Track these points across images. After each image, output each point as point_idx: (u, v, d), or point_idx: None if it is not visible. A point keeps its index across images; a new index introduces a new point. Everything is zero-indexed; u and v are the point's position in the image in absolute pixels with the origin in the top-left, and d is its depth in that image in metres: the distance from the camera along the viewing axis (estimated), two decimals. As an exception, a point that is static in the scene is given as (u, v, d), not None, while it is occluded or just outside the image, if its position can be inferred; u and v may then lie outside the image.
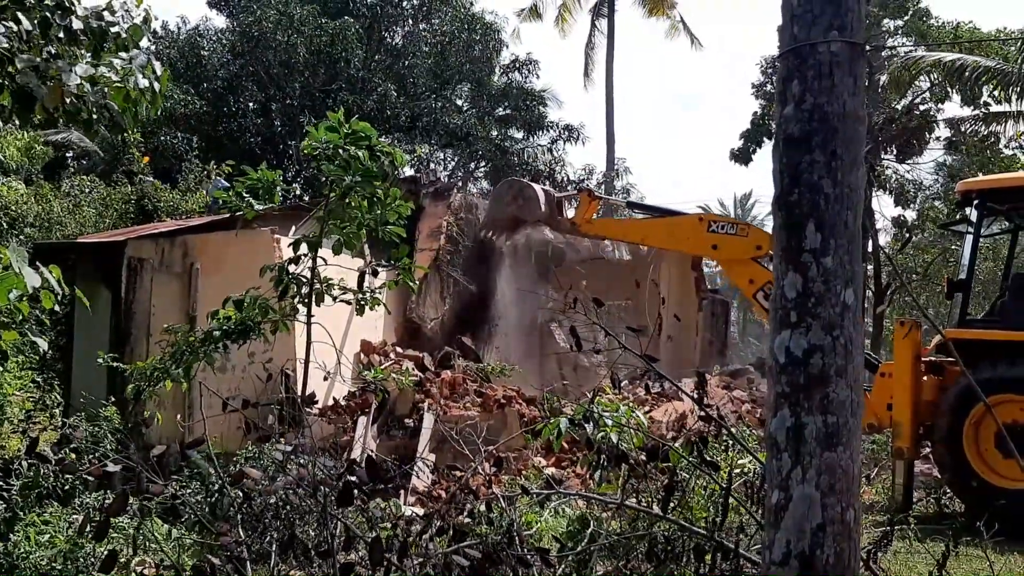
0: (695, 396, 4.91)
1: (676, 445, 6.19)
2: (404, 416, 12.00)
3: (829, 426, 2.70)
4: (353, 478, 3.81)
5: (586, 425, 5.57)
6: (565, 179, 31.39)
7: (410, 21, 32.29)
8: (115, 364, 8.57)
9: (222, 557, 4.20)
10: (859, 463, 2.76)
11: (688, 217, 12.77)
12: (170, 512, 6.75)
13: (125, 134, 23.30)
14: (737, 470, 6.06)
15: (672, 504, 5.61)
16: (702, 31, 35.58)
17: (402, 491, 10.06)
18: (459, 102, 33.76)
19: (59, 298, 6.75)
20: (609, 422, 6.23)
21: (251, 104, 30.69)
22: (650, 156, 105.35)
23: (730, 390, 15.52)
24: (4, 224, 19.63)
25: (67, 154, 27.79)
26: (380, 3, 30.41)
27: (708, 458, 5.50)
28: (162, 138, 26.50)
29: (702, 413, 5.26)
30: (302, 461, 4.99)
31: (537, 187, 12.85)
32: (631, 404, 7.64)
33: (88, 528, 4.62)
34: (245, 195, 7.67)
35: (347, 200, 7.62)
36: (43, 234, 19.20)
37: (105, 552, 6.57)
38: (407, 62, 30.56)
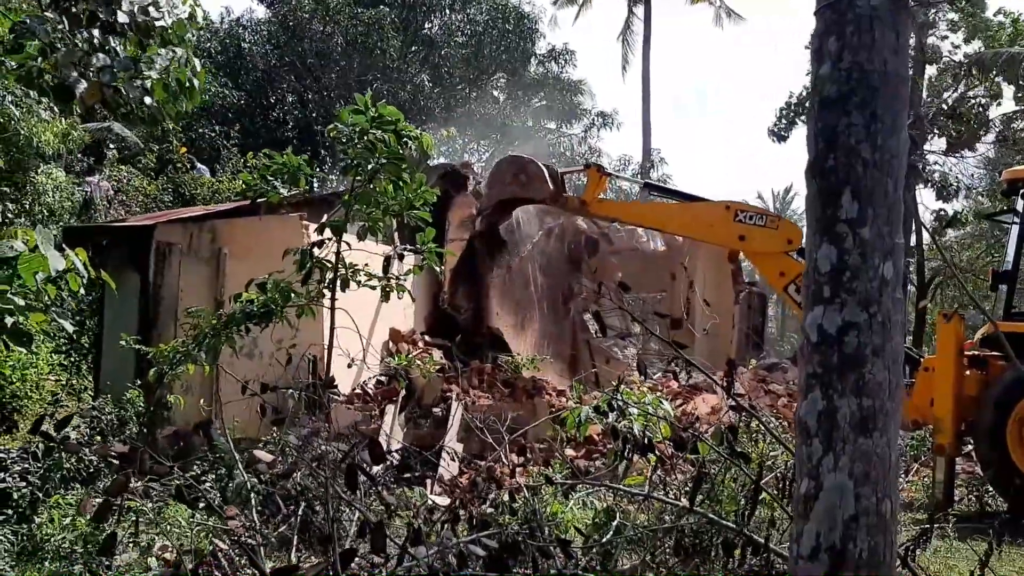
0: (724, 384, 4.68)
1: (705, 436, 5.97)
2: (432, 405, 11.87)
3: (864, 410, 2.49)
4: (366, 457, 3.65)
5: (610, 413, 5.38)
6: (601, 170, 31.11)
7: (446, 11, 32.16)
8: (139, 347, 8.53)
9: (230, 542, 4.08)
10: (896, 450, 2.55)
11: (714, 204, 11.79)
12: (193, 495, 6.69)
13: (164, 125, 23.54)
14: (768, 462, 5.83)
15: (700, 497, 5.41)
16: (733, 23, 35.33)
17: (428, 480, 9.93)
18: (494, 93, 33.61)
19: (85, 281, 6.70)
20: (634, 411, 6.04)
21: (289, 96, 30.79)
22: (681, 147, 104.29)
23: (766, 384, 15.21)
24: (45, 212, 19.82)
25: (109, 145, 28.01)
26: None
27: (738, 449, 5.29)
28: (200, 130, 26.65)
29: (732, 403, 5.05)
30: (317, 444, 4.86)
31: (540, 163, 12.16)
32: (661, 394, 7.43)
33: (107, 511, 4.53)
34: (270, 179, 7.57)
35: (372, 184, 7.49)
36: (83, 222, 19.37)
37: (128, 536, 6.55)
38: (443, 52, 30.43)
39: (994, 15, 24.83)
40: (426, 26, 31.52)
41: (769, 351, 23.91)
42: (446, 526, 5.27)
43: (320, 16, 27.44)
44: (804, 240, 11.54)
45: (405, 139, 7.54)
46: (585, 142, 34.02)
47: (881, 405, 2.50)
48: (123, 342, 8.64)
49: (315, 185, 28.05)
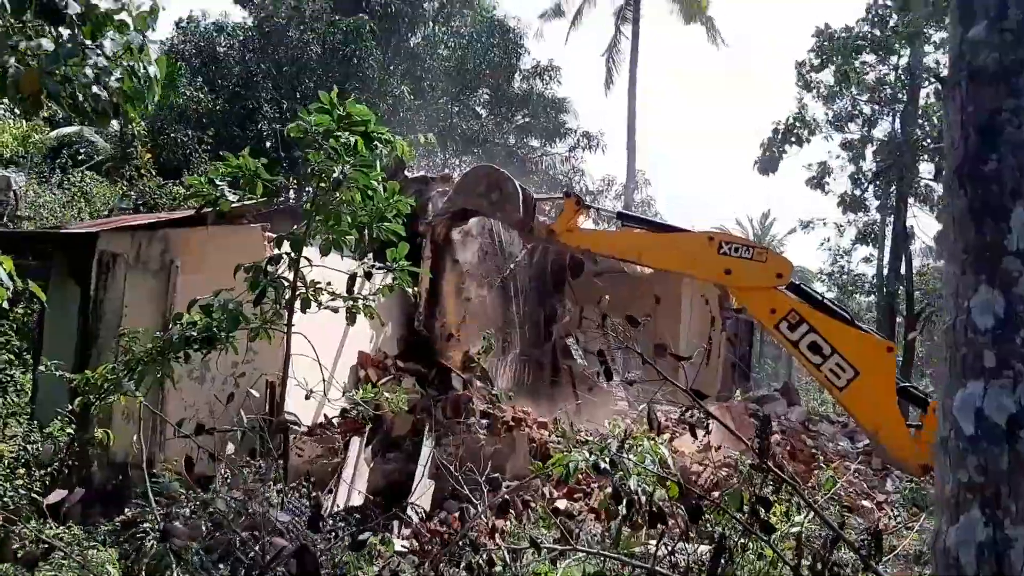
0: (756, 444, 3.81)
1: (719, 495, 5.11)
2: (402, 436, 10.93)
3: (1054, 546, 1.62)
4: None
5: (611, 471, 4.49)
6: (584, 189, 30.36)
7: (430, 23, 31.37)
8: (59, 373, 7.53)
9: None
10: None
11: (695, 235, 10.90)
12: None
13: (129, 125, 22.48)
14: (794, 530, 4.97)
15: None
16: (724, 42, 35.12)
17: (395, 522, 8.99)
18: (477, 108, 32.82)
19: (10, 293, 5.77)
20: (631, 464, 5.13)
21: (265, 105, 29.80)
22: (664, 170, 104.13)
23: (758, 419, 14.37)
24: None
25: (80, 149, 26.79)
26: (397, 1, 29.44)
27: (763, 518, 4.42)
28: (172, 135, 25.57)
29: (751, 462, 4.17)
30: (255, 508, 3.93)
31: (517, 184, 11.19)
32: (660, 442, 6.54)
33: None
34: (219, 183, 6.62)
35: (338, 193, 6.58)
36: (37, 228, 18.31)
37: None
38: (426, 64, 29.59)
39: None
40: (408, 38, 30.68)
41: (756, 381, 23.14)
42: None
43: (296, 23, 26.51)
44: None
45: (376, 143, 6.64)
46: (568, 161, 33.28)
47: (1080, 539, 1.63)
48: (42, 367, 7.65)
49: (291, 197, 27.05)
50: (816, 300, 10.80)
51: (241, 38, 28.35)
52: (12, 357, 9.79)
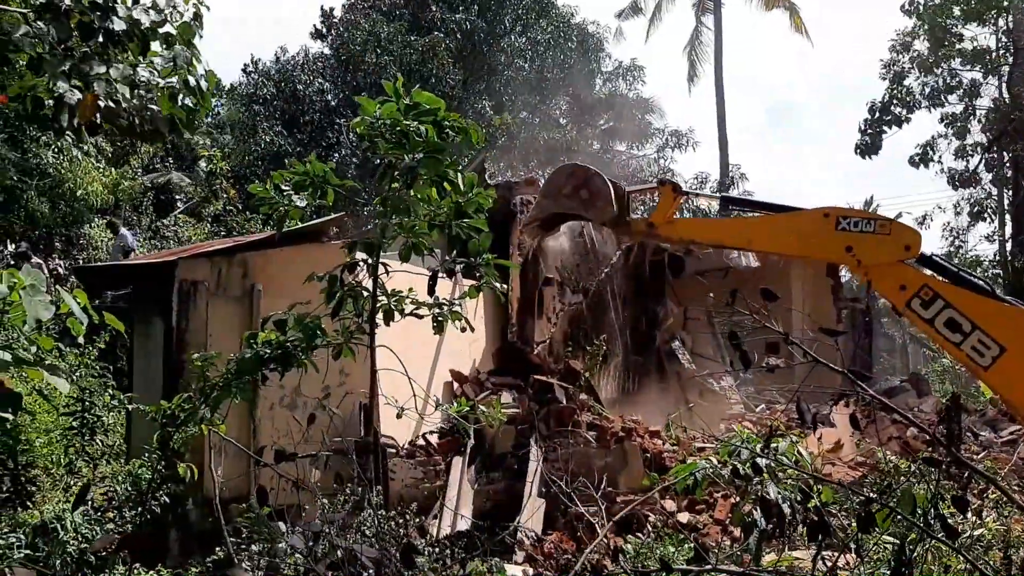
0: (945, 433, 3.02)
1: (887, 500, 4.27)
2: (505, 453, 10.28)
3: None
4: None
5: (755, 476, 3.73)
6: (675, 190, 29.38)
7: (508, 36, 30.96)
8: (134, 406, 7.18)
9: None
10: None
11: (809, 212, 10.03)
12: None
13: (211, 162, 22.64)
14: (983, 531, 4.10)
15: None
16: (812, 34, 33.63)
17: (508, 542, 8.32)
18: (558, 116, 32.23)
19: (86, 327, 5.35)
20: (769, 467, 4.33)
21: (350, 136, 29.84)
22: (767, 163, 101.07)
23: (889, 413, 13.21)
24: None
25: (176, 196, 27.22)
26: (471, 19, 29.12)
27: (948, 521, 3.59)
28: (255, 179, 25.72)
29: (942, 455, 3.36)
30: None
31: (606, 178, 10.39)
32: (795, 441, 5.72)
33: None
34: (286, 190, 6.13)
35: (411, 189, 6.01)
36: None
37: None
38: (505, 75, 29.13)
39: None
40: (486, 52, 30.22)
41: (878, 374, 21.68)
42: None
43: (372, 47, 26.42)
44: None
45: (448, 131, 6.06)
46: (657, 163, 32.38)
47: None
48: (115, 400, 7.32)
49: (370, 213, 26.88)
50: (951, 272, 9.72)
51: (320, 70, 28.44)
52: (107, 399, 9.57)
